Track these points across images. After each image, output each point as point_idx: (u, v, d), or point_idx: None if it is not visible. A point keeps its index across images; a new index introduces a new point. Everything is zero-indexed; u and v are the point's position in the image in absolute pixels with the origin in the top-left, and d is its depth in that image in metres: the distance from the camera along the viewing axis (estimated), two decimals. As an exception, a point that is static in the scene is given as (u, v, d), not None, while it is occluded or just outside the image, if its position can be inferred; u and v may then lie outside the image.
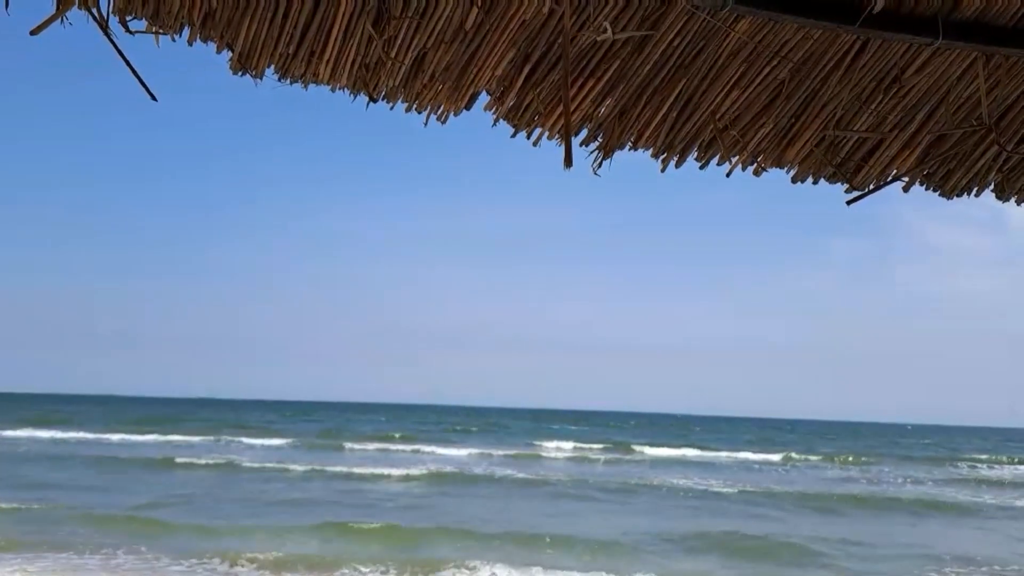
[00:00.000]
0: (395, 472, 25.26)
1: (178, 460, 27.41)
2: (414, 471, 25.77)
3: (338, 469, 26.16)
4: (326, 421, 63.36)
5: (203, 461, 27.45)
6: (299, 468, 26.04)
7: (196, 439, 38.04)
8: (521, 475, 26.34)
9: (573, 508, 19.30)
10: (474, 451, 36.24)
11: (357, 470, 26.02)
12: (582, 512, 18.73)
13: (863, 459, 40.36)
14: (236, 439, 38.95)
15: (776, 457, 39.82)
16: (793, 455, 41.56)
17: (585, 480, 25.38)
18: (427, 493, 22.01)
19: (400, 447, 37.87)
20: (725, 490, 23.56)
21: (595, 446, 42.09)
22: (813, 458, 40.53)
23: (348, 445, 37.57)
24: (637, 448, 41.69)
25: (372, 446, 37.48)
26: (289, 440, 39.06)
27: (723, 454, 40.43)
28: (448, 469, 27.53)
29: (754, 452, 42.27)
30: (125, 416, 57.16)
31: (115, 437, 38.04)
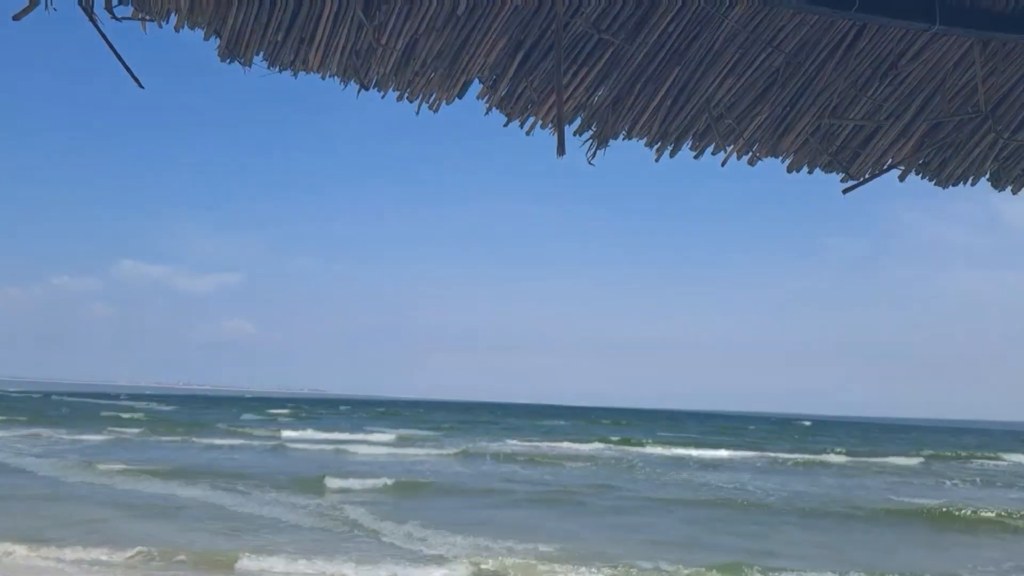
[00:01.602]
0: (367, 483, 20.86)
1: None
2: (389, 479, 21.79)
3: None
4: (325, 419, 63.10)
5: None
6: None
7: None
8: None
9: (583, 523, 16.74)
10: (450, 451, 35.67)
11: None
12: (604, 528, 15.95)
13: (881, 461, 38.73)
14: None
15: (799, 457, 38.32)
16: (795, 456, 41.35)
17: (611, 487, 23.82)
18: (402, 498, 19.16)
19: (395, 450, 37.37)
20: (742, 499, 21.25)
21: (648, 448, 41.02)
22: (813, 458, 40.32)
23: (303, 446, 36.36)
24: (648, 448, 41.52)
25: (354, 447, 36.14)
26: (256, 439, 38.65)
27: (742, 455, 38.87)
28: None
29: (770, 452, 42.02)
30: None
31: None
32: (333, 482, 20.54)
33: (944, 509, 19.60)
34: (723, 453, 39.06)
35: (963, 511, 19.20)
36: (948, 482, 30.07)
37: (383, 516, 15.50)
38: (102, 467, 21.83)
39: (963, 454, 49.15)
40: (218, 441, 35.27)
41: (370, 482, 20.89)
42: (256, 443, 35.49)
